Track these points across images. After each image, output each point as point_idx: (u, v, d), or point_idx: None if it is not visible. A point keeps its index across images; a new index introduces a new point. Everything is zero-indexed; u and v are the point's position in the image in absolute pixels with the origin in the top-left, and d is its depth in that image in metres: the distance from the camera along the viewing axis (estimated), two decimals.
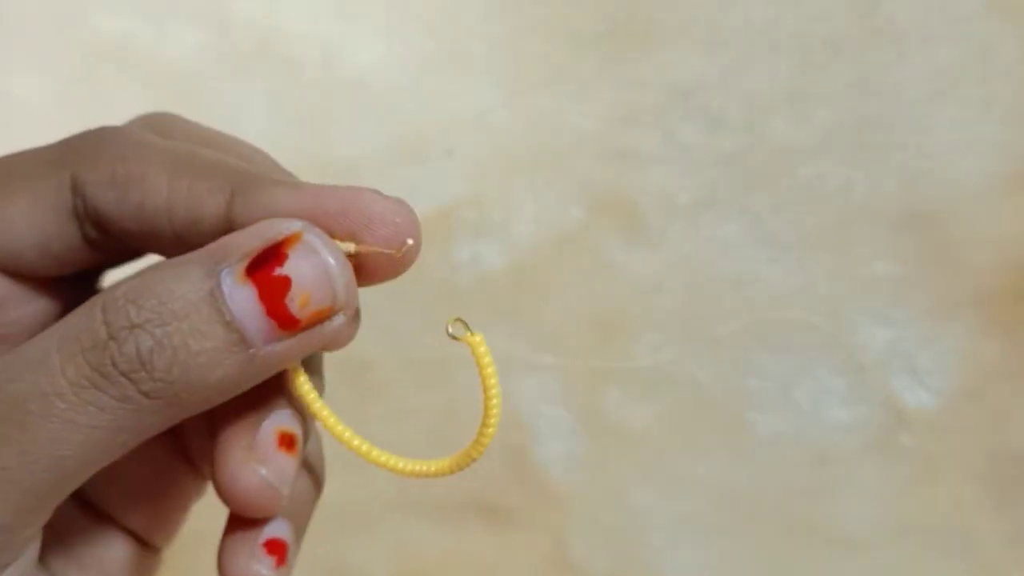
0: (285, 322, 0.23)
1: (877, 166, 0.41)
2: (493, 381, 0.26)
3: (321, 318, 0.23)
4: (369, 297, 0.42)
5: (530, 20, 0.41)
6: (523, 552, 0.43)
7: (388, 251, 0.25)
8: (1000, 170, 0.40)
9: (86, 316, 0.23)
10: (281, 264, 0.23)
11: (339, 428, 0.26)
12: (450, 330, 0.25)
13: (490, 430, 0.26)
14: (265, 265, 0.23)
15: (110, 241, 0.26)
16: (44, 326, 0.27)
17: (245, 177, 0.25)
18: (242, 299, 0.22)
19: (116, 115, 0.40)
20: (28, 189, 0.26)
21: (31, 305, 0.28)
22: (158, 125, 0.28)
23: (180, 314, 0.22)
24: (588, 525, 0.43)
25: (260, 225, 0.23)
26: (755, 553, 0.43)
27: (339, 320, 0.24)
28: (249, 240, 0.23)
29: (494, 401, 0.26)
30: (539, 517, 0.43)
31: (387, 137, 0.41)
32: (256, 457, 0.25)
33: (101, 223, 0.26)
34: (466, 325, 0.25)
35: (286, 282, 0.23)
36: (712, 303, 0.42)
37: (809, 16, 0.41)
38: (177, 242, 0.25)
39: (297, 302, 0.23)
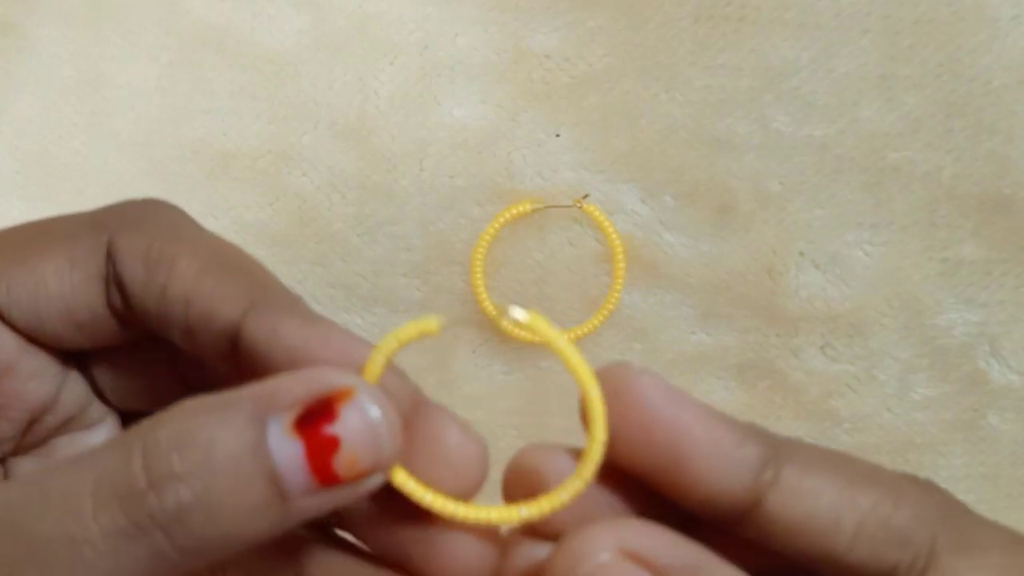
0: (327, 479, 0.22)
1: (966, 151, 0.41)
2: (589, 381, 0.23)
3: (362, 476, 0.22)
4: (464, 279, 0.42)
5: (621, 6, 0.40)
6: None
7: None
8: None
9: (123, 457, 0.21)
10: (331, 421, 0.22)
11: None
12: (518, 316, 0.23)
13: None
14: (315, 420, 0.22)
15: (131, 314, 0.26)
16: (42, 408, 0.27)
17: (263, 296, 0.24)
18: (288, 454, 0.21)
19: (215, 101, 0.40)
20: (65, 248, 0.26)
21: (38, 382, 0.27)
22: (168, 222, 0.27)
23: (222, 469, 0.21)
24: None
25: (310, 372, 0.22)
26: None
27: (378, 479, 0.23)
28: (299, 388, 0.22)
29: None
30: None
31: (481, 119, 0.41)
32: None
33: (124, 295, 0.26)
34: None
35: (335, 442, 0.22)
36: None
37: None
38: (188, 333, 0.25)
39: (344, 462, 0.22)
